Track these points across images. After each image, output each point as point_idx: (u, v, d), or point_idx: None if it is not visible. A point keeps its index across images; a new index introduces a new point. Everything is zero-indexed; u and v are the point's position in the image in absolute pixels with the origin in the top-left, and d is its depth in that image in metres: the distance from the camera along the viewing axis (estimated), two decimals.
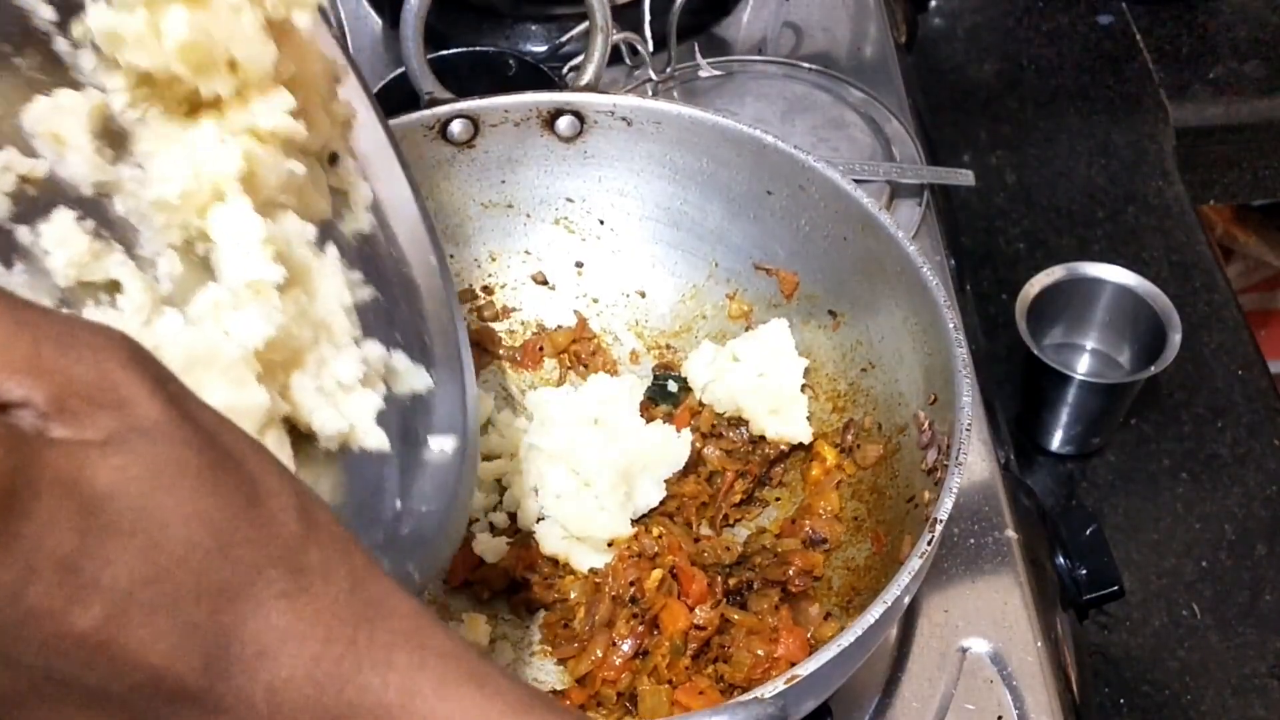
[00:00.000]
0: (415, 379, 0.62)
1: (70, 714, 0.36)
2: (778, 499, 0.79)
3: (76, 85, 0.55)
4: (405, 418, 0.60)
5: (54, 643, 0.34)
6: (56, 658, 0.34)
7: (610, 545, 0.74)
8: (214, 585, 0.36)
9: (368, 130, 0.65)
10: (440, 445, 0.60)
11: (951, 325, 0.68)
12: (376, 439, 0.58)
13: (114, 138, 0.55)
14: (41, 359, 0.35)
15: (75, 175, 0.54)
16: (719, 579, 0.72)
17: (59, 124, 0.54)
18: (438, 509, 0.58)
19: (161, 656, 0.35)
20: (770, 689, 0.55)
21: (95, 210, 0.54)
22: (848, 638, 0.56)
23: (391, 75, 0.97)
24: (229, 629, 0.36)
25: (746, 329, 0.82)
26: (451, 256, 0.84)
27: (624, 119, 0.80)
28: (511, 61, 0.99)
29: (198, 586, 0.36)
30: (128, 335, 0.37)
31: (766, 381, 0.78)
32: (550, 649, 0.72)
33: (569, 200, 0.85)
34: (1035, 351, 0.99)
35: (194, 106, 0.56)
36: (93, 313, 0.52)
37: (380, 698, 0.38)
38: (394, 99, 0.93)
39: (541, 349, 0.85)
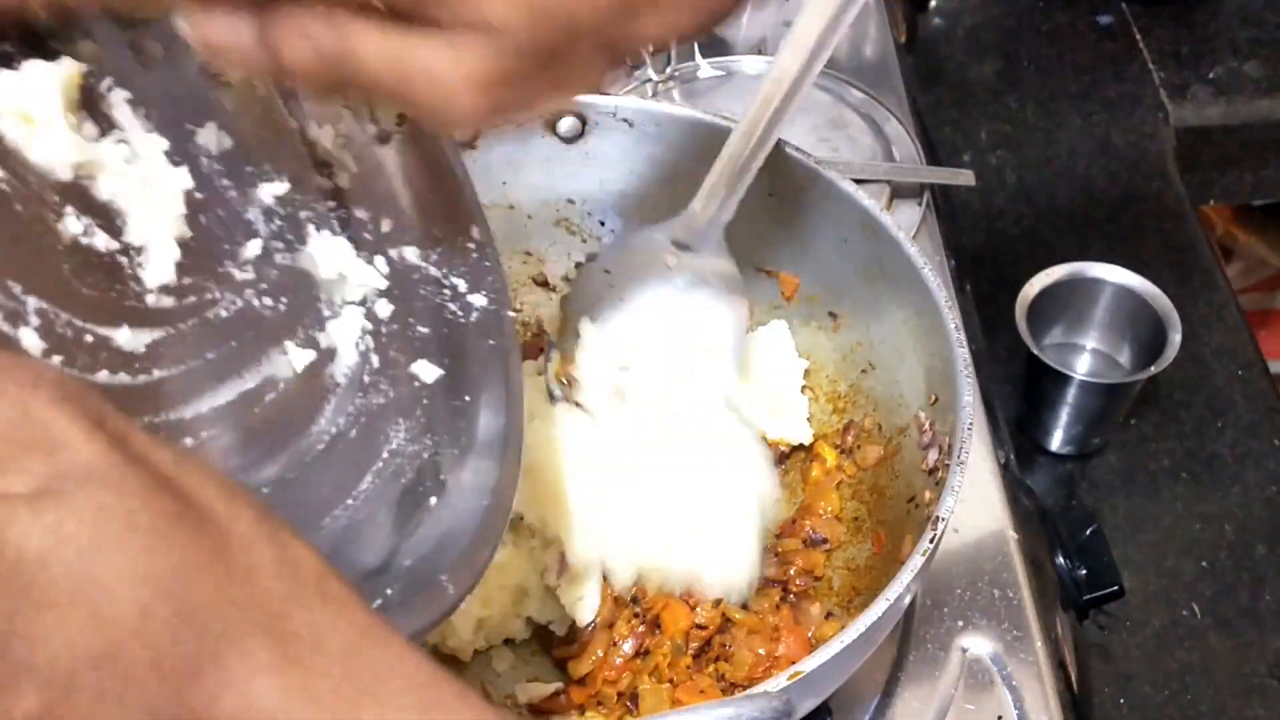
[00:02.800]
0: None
1: None
2: (778, 499, 0.79)
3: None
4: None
5: None
6: None
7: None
8: (175, 661, 0.31)
9: None
10: (484, 430, 0.57)
11: (952, 325, 0.68)
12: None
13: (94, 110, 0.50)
14: None
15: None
16: None
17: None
18: (472, 507, 0.54)
19: None
20: (774, 685, 0.55)
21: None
22: (850, 635, 0.57)
23: None
24: (198, 710, 0.31)
25: (747, 330, 0.82)
26: None
27: (626, 120, 0.81)
28: None
29: (155, 664, 0.30)
30: (59, 370, 0.34)
31: (766, 383, 0.79)
32: (550, 648, 0.72)
33: (570, 201, 0.85)
34: (1035, 351, 0.99)
35: None
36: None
37: None
38: None
39: (542, 350, 0.85)
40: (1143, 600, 0.96)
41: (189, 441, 0.46)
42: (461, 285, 0.59)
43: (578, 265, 0.86)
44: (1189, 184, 1.25)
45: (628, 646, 0.70)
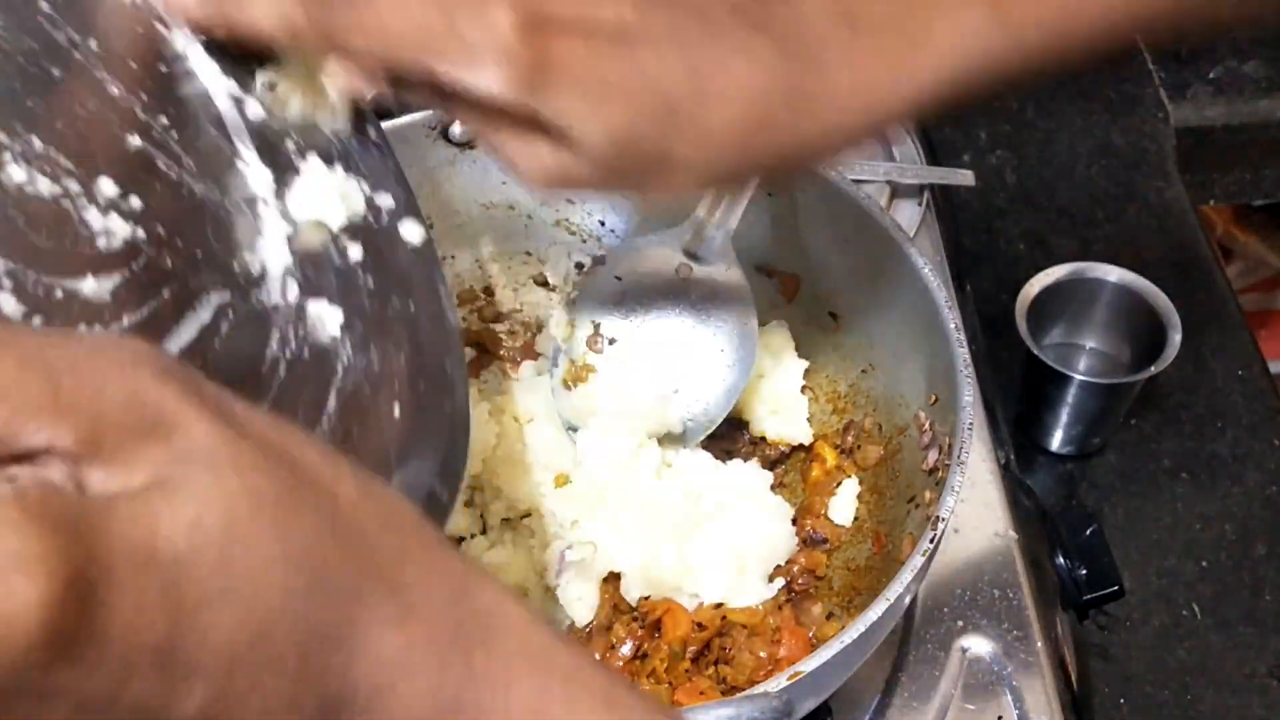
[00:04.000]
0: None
1: None
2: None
3: None
4: None
5: None
6: None
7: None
8: (318, 629, 0.31)
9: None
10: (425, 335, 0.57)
11: (952, 325, 0.68)
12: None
13: None
14: (61, 391, 0.29)
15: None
16: None
17: None
18: (436, 408, 0.54)
19: None
20: (774, 685, 0.55)
21: None
22: (850, 635, 0.57)
23: None
24: (340, 673, 0.32)
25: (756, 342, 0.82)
26: (453, 257, 0.85)
27: None
28: None
29: (302, 635, 0.31)
30: (151, 345, 0.33)
31: (766, 383, 0.79)
32: None
33: (570, 202, 0.85)
34: (1035, 351, 0.99)
35: None
36: None
37: None
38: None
39: (541, 353, 0.85)
40: (1143, 600, 0.96)
41: None
42: (367, 187, 0.59)
43: (578, 265, 0.86)
44: (1189, 184, 1.25)
45: (626, 649, 0.70)
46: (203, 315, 0.49)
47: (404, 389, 0.55)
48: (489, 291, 0.86)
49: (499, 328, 0.86)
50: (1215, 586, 0.97)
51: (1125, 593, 0.85)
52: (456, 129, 0.80)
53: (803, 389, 0.79)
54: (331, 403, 0.52)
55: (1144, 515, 1.01)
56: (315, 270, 0.55)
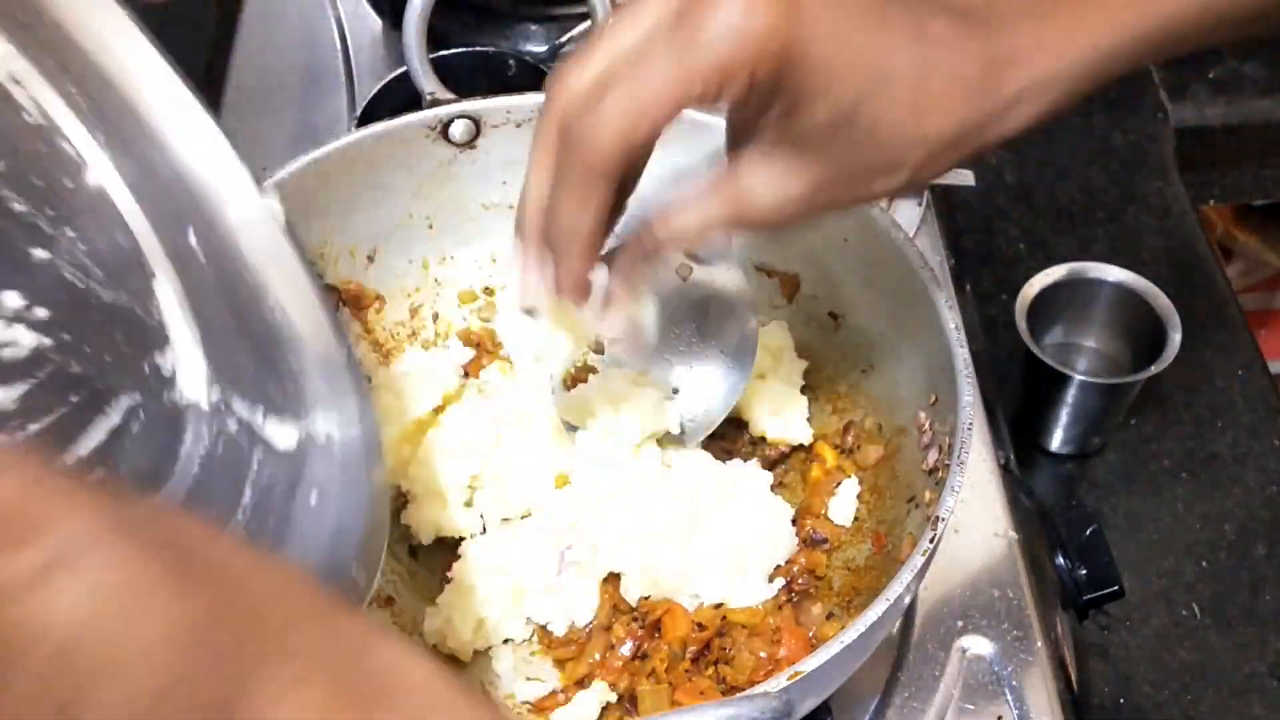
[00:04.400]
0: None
1: None
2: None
3: None
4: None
5: None
6: None
7: None
8: (211, 701, 0.32)
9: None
10: (341, 435, 0.58)
11: (952, 325, 0.68)
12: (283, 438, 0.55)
13: None
14: None
15: None
16: None
17: None
18: (354, 492, 0.55)
19: None
20: (774, 685, 0.55)
21: None
22: (850, 634, 0.57)
23: (392, 75, 0.97)
24: None
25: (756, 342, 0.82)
26: (453, 258, 0.85)
27: None
28: (511, 62, 0.99)
29: (194, 706, 0.32)
30: (20, 448, 0.34)
31: (766, 383, 0.79)
32: (548, 649, 0.72)
33: None
34: (1035, 351, 0.99)
35: None
36: None
37: None
38: (394, 99, 0.94)
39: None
40: (1143, 600, 0.96)
41: None
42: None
43: None
44: (1189, 184, 1.25)
45: (626, 649, 0.70)
46: (113, 418, 0.50)
47: (323, 477, 0.56)
48: (489, 291, 0.86)
49: (499, 328, 0.85)
50: (1215, 586, 0.97)
51: (1125, 593, 0.85)
52: (457, 130, 0.80)
53: (803, 389, 0.79)
54: (247, 496, 0.53)
55: (1144, 515, 1.01)
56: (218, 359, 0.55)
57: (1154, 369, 0.98)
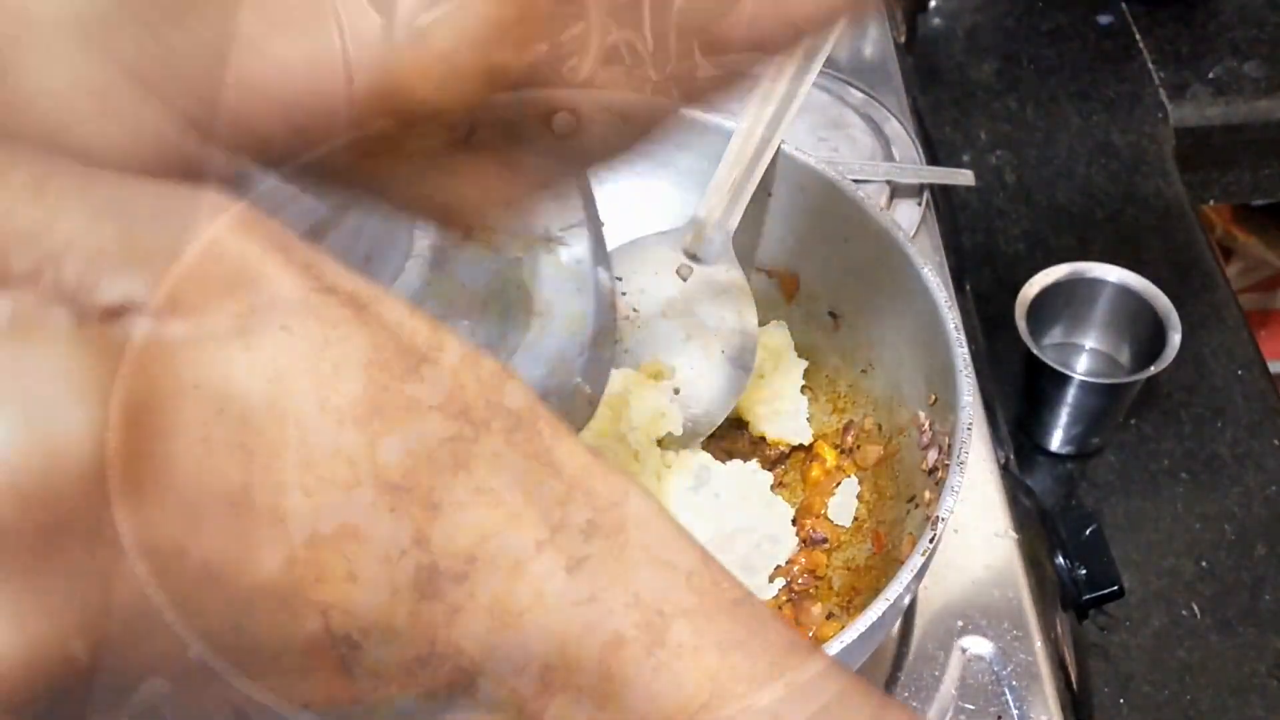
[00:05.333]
0: None
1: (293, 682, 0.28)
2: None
3: None
4: None
5: (239, 598, 0.27)
6: (245, 618, 0.27)
7: None
8: (411, 499, 0.29)
9: None
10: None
11: (952, 325, 0.68)
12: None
13: None
14: (137, 243, 0.27)
15: None
16: None
17: None
18: (581, 306, 0.53)
19: (363, 587, 0.28)
20: None
21: None
22: (850, 635, 0.56)
23: None
24: (442, 548, 0.29)
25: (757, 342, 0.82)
26: None
27: (622, 118, 0.80)
28: None
29: (392, 504, 0.28)
30: (233, 198, 0.30)
31: (766, 383, 0.79)
32: None
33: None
34: (1035, 351, 0.99)
35: None
36: None
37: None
38: None
39: None
40: (1143, 600, 0.96)
41: None
42: None
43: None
44: (1189, 184, 1.25)
45: None
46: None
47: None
48: None
49: None
50: (1215, 586, 0.97)
51: (1125, 593, 0.85)
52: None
53: (803, 389, 0.79)
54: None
55: (1144, 515, 1.01)
56: None
57: (1154, 369, 0.98)
